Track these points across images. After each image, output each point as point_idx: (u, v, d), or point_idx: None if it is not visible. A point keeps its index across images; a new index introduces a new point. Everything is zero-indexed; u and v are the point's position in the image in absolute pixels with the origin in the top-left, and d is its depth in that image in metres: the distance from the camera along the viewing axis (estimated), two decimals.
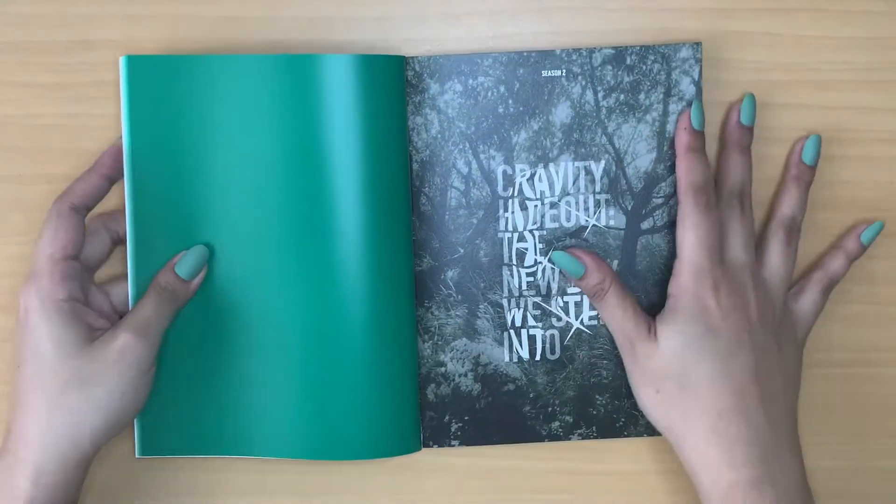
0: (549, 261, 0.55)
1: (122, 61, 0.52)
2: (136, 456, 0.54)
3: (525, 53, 0.54)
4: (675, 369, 0.51)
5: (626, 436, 0.56)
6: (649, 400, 0.52)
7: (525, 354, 0.56)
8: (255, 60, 0.52)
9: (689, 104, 0.54)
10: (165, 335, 0.52)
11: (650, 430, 0.55)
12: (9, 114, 0.55)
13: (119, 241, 0.54)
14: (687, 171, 0.52)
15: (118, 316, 0.53)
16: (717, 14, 0.55)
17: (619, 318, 0.53)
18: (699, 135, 0.53)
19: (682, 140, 0.53)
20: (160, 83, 0.52)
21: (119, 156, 0.52)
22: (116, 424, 0.50)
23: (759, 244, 0.54)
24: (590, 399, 0.56)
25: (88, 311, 0.51)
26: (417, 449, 0.55)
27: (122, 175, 0.53)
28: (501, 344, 0.56)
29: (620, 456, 0.57)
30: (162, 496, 0.56)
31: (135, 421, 0.54)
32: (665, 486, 0.57)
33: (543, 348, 0.56)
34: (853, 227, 0.55)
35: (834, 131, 0.56)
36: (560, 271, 0.55)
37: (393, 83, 0.53)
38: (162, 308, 0.51)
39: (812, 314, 0.54)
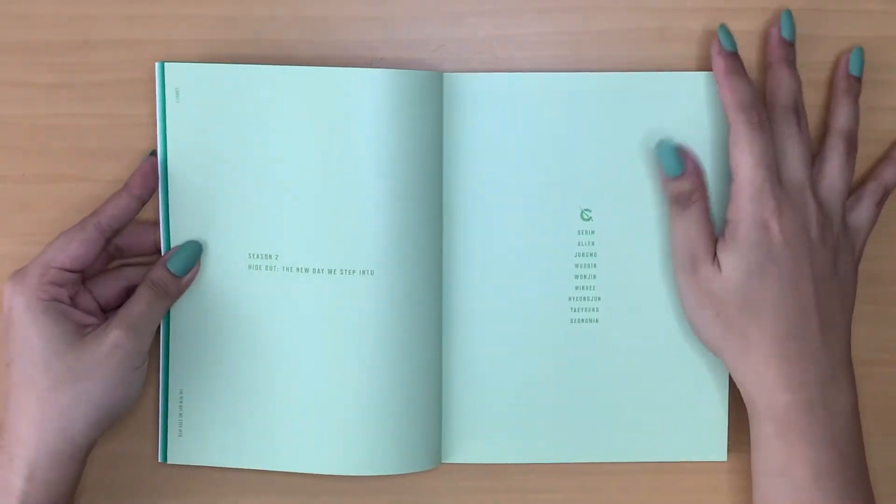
0: (655, 148, 0.52)
1: (157, 68, 0.52)
2: (159, 460, 0.54)
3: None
4: (738, 296, 0.50)
5: None
6: (706, 322, 0.51)
7: None
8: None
9: (719, 30, 0.52)
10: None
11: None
12: (10, 114, 0.55)
13: (117, 256, 0.54)
14: (732, 91, 0.51)
15: (104, 313, 0.53)
16: (718, 13, 0.55)
17: (694, 234, 0.51)
18: (735, 56, 0.52)
19: (719, 65, 0.51)
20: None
21: (149, 175, 0.53)
22: (108, 418, 0.50)
23: (815, 159, 0.53)
24: None
25: (75, 310, 0.51)
26: (437, 464, 0.55)
27: (152, 194, 0.53)
28: None
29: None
30: (163, 494, 0.56)
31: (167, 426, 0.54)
32: (669, 485, 0.57)
33: None
34: None
35: None
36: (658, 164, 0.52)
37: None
38: (154, 304, 0.51)
39: (867, 226, 0.53)
